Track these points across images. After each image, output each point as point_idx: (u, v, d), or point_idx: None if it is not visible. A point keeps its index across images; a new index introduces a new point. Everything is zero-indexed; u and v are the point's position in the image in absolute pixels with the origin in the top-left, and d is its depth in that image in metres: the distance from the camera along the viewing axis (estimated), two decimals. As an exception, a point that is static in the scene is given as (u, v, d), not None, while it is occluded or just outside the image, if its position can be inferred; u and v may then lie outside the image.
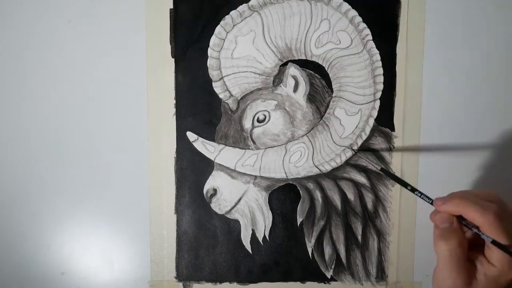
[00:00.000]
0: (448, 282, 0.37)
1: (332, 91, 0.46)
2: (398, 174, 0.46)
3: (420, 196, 0.40)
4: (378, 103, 0.46)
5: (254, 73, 0.46)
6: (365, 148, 0.45)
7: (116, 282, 0.48)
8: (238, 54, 0.45)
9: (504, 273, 0.36)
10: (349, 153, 0.46)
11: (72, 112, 0.47)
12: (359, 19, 0.45)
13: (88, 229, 0.48)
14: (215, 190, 0.47)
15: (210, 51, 0.46)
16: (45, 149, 0.47)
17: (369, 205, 0.47)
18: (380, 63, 0.46)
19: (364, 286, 0.47)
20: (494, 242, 0.35)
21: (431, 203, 0.39)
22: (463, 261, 0.37)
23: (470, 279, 0.37)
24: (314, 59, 0.46)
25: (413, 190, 0.41)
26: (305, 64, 0.46)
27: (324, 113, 0.46)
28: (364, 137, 0.46)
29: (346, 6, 0.45)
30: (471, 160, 0.47)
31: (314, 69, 0.46)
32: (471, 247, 0.38)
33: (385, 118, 0.46)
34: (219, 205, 0.47)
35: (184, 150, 0.47)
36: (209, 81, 0.46)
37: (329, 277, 0.47)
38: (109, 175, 0.47)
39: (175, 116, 0.46)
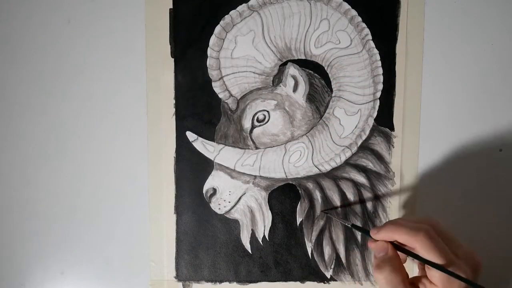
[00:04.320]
0: None
1: (331, 91, 0.46)
2: (397, 175, 0.46)
3: (361, 231, 0.41)
4: (377, 103, 0.46)
5: (254, 73, 0.46)
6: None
7: (116, 282, 0.48)
8: (237, 54, 0.45)
9: None
10: (348, 153, 0.46)
11: (71, 112, 0.47)
12: (358, 19, 0.45)
13: (87, 228, 0.48)
14: (214, 190, 0.47)
15: (209, 51, 0.46)
16: (44, 148, 0.47)
17: (369, 205, 0.47)
18: (379, 63, 0.46)
19: (363, 286, 0.47)
20: (427, 262, 0.36)
21: (368, 234, 0.40)
22: (402, 287, 0.37)
23: None
24: (313, 59, 0.46)
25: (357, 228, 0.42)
26: (304, 64, 0.46)
27: (323, 113, 0.46)
28: (364, 137, 0.46)
29: (346, 6, 0.45)
30: (471, 160, 0.47)
31: (313, 69, 0.46)
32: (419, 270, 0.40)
33: (384, 118, 0.46)
34: (218, 205, 0.47)
35: (184, 150, 0.47)
36: (208, 81, 0.46)
37: (328, 277, 0.47)
38: (109, 175, 0.48)
39: (174, 116, 0.47)
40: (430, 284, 0.37)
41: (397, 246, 0.38)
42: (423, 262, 0.36)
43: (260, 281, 0.48)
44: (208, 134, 0.46)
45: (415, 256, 0.37)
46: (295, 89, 0.46)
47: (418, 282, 0.38)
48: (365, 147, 0.46)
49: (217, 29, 0.45)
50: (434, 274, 0.36)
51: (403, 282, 0.37)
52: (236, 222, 0.47)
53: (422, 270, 0.40)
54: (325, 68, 0.46)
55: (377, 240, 0.39)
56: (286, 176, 0.47)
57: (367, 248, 0.47)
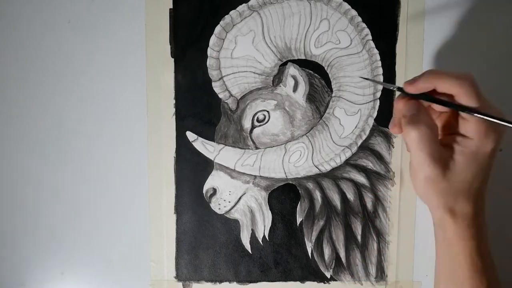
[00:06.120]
0: (424, 170, 0.36)
1: (331, 91, 0.46)
2: (397, 175, 0.47)
3: (390, 88, 0.40)
4: (377, 103, 0.46)
5: (254, 73, 0.46)
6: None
7: (116, 282, 0.48)
8: (237, 54, 0.45)
9: (482, 143, 0.35)
10: (348, 153, 0.46)
11: (71, 112, 0.47)
12: (358, 19, 0.45)
13: (87, 228, 0.48)
14: (214, 190, 0.47)
15: (209, 51, 0.46)
16: (44, 149, 0.47)
17: (369, 205, 0.47)
18: (379, 63, 0.46)
19: (363, 286, 0.47)
20: (468, 109, 0.34)
21: (400, 90, 0.38)
22: (435, 145, 0.35)
23: (446, 163, 0.35)
24: (313, 59, 0.46)
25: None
26: (304, 64, 0.46)
27: (323, 113, 0.46)
28: (364, 137, 0.46)
29: (346, 6, 0.45)
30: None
31: (313, 69, 0.46)
32: (446, 132, 0.38)
33: (384, 118, 0.46)
34: (218, 205, 0.47)
35: (184, 150, 0.47)
36: (208, 81, 0.46)
37: (328, 277, 0.47)
38: (109, 175, 0.48)
39: (174, 116, 0.47)
40: (464, 139, 0.35)
41: (432, 98, 0.36)
42: (464, 110, 0.35)
43: (260, 281, 0.48)
44: (208, 134, 0.47)
45: (453, 106, 0.35)
46: (295, 89, 0.46)
47: (450, 141, 0.36)
48: (365, 147, 0.46)
49: (217, 29, 0.45)
50: (469, 127, 0.35)
51: (436, 138, 0.36)
52: (236, 222, 0.47)
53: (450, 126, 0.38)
54: (325, 68, 0.46)
55: (406, 99, 0.37)
56: (286, 176, 0.47)
57: (367, 248, 0.47)
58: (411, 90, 0.37)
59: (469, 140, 0.35)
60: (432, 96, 0.36)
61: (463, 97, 0.35)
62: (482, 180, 0.37)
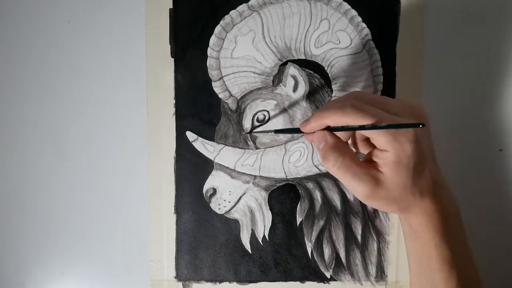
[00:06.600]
0: (357, 190, 0.36)
1: (331, 91, 0.46)
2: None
3: (290, 132, 0.41)
4: (377, 103, 0.46)
5: (254, 72, 0.46)
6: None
7: (116, 282, 0.48)
8: (237, 53, 0.45)
9: (398, 151, 0.34)
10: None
11: (71, 112, 0.47)
12: (358, 19, 0.45)
13: (87, 229, 0.48)
14: (214, 190, 0.47)
15: (209, 51, 0.46)
16: (44, 149, 0.48)
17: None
18: (379, 63, 0.46)
19: (363, 286, 0.47)
20: (361, 128, 0.34)
21: (299, 131, 0.39)
22: (355, 167, 0.36)
23: (375, 176, 0.35)
24: (313, 59, 0.46)
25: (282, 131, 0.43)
26: (304, 64, 0.46)
27: (323, 113, 0.46)
28: (364, 137, 0.46)
29: (346, 6, 0.45)
30: (471, 160, 0.47)
31: (313, 69, 0.46)
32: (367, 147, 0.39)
33: (384, 118, 0.46)
34: (218, 205, 0.47)
35: (184, 150, 0.47)
36: (208, 81, 0.46)
37: (328, 277, 0.47)
38: (109, 175, 0.48)
39: (174, 116, 0.47)
40: (381, 152, 0.35)
41: (333, 128, 0.37)
42: (358, 129, 0.35)
43: (260, 281, 0.48)
44: (208, 134, 0.47)
45: (352, 128, 0.35)
46: (295, 89, 0.46)
47: (373, 156, 0.36)
48: (365, 147, 0.46)
49: (217, 29, 0.45)
50: (379, 141, 0.35)
51: (353, 161, 0.36)
52: (236, 222, 0.47)
53: (368, 146, 0.39)
54: (325, 68, 0.46)
55: (312, 133, 0.38)
56: (286, 176, 0.47)
57: (367, 248, 0.47)
58: (306, 130, 0.38)
59: (385, 152, 0.35)
60: (332, 128, 0.37)
61: (353, 123, 0.35)
62: (428, 173, 0.36)
